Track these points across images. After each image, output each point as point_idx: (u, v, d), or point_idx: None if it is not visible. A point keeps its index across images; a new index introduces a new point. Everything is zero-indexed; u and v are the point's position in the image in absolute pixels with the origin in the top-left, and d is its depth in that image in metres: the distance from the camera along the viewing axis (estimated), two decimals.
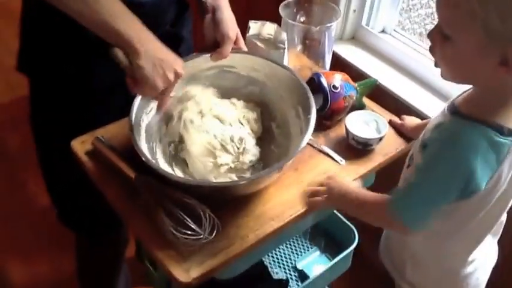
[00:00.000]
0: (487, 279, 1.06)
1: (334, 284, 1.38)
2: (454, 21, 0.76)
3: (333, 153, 1.05)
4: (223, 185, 0.93)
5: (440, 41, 0.80)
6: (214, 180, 0.96)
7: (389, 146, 1.08)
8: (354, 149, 1.06)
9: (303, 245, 1.36)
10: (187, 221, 0.85)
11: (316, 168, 1.03)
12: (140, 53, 0.87)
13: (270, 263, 1.30)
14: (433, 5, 2.50)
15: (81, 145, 1.02)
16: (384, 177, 1.15)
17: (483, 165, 0.80)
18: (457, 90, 0.92)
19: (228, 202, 0.93)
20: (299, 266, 1.30)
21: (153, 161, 0.91)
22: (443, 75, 0.85)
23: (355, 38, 1.64)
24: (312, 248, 1.35)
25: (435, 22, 2.23)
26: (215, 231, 0.86)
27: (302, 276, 1.27)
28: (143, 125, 0.97)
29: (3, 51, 2.39)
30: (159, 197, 0.89)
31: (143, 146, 0.93)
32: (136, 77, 0.89)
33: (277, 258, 1.32)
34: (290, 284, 1.25)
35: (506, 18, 0.71)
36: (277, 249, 1.34)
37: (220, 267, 0.86)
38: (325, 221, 1.35)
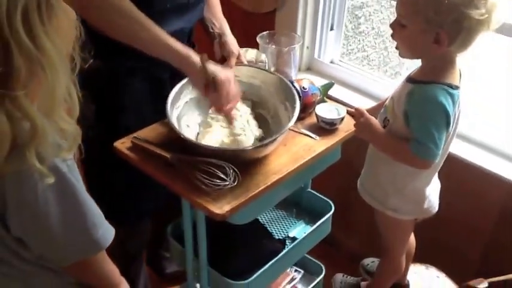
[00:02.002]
0: (438, 199, 1.48)
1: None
2: (406, 15, 1.21)
3: (309, 133, 1.44)
4: (237, 149, 1.30)
5: (398, 29, 1.24)
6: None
7: (348, 125, 1.46)
8: (323, 129, 1.45)
9: (292, 221, 1.71)
10: (216, 172, 1.20)
11: (299, 144, 1.40)
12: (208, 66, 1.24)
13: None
14: (368, 49, 3.05)
15: (122, 144, 1.36)
16: (347, 154, 1.56)
17: (449, 106, 1.21)
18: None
19: (242, 166, 1.25)
20: (291, 234, 1.64)
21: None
22: (402, 55, 1.29)
23: (311, 68, 2.09)
24: (299, 221, 1.70)
25: (371, 64, 2.81)
26: (237, 180, 1.21)
27: (294, 240, 1.61)
28: (174, 115, 1.32)
29: None
30: (191, 163, 1.24)
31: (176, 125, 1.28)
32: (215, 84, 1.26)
33: (275, 230, 1.67)
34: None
35: (438, 12, 1.14)
36: (273, 225, 1.68)
37: (242, 205, 1.20)
38: (307, 200, 1.72)
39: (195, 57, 1.26)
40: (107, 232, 0.96)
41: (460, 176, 1.65)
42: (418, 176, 1.37)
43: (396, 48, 1.29)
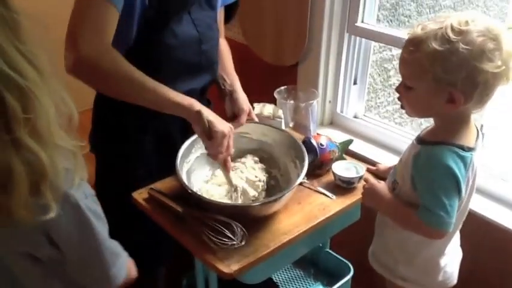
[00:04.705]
0: (457, 270, 1.36)
1: None
2: (412, 76, 1.12)
3: (326, 192, 1.39)
4: (246, 205, 1.28)
5: (404, 91, 1.15)
6: None
7: None
8: (341, 187, 1.40)
9: (309, 282, 1.64)
10: (224, 231, 1.17)
11: (314, 202, 1.36)
12: (203, 113, 1.25)
13: None
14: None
15: (139, 195, 1.36)
16: (369, 212, 1.49)
17: (459, 170, 1.11)
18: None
19: (252, 223, 1.23)
20: None
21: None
22: (409, 114, 1.21)
23: (333, 123, 2.05)
24: (316, 283, 1.63)
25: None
26: (244, 240, 1.17)
27: None
28: (184, 169, 1.32)
29: None
30: (201, 219, 1.21)
31: (186, 182, 1.27)
32: (210, 132, 1.27)
33: None
34: None
35: (448, 70, 1.06)
36: (289, 285, 1.61)
37: (251, 265, 1.16)
38: (325, 260, 1.65)
39: (197, 106, 1.27)
40: (121, 270, 0.98)
41: (493, 242, 1.54)
42: (430, 244, 1.27)
43: (402, 107, 1.21)
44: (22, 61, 0.73)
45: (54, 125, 0.79)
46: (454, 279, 1.36)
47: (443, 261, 1.31)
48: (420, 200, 1.17)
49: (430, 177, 1.15)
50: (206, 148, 1.33)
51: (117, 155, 1.46)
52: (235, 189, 1.36)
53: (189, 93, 1.33)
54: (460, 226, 1.30)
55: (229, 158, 1.37)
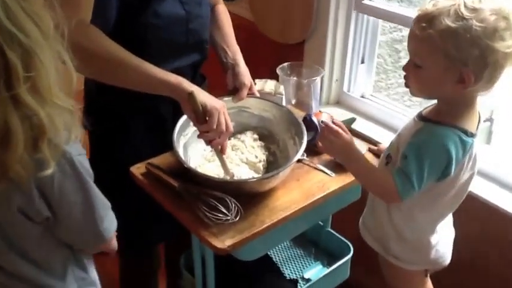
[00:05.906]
0: (451, 250, 1.34)
1: None
2: (423, 53, 1.09)
3: (325, 169, 1.37)
4: (242, 181, 1.27)
5: (413, 70, 1.13)
6: None
7: None
8: (340, 165, 1.38)
9: (309, 261, 1.63)
10: (218, 206, 1.16)
11: (313, 179, 1.34)
12: (195, 94, 1.19)
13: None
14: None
15: (137, 170, 1.35)
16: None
17: (456, 154, 1.10)
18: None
19: (249, 199, 1.22)
20: (306, 276, 1.56)
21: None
22: (413, 93, 1.19)
23: (339, 102, 2.03)
24: (316, 262, 1.62)
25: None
26: (239, 215, 1.16)
27: (308, 282, 1.52)
28: (181, 143, 1.31)
29: None
30: (196, 194, 1.20)
31: (183, 156, 1.26)
32: (203, 115, 1.21)
33: (289, 270, 1.60)
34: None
35: (460, 48, 1.03)
36: (288, 264, 1.61)
37: (245, 241, 1.15)
38: (325, 239, 1.64)
39: (187, 86, 1.22)
40: (112, 222, 1.01)
41: (492, 224, 1.52)
42: (418, 222, 1.26)
43: (406, 86, 1.18)
44: (26, 20, 0.74)
45: (55, 85, 0.81)
46: (447, 259, 1.34)
47: (434, 239, 1.29)
48: (401, 163, 1.15)
49: (425, 151, 1.13)
50: (201, 131, 1.25)
51: (107, 134, 1.43)
52: (232, 178, 1.32)
53: (177, 71, 1.27)
54: (456, 207, 1.27)
55: (226, 142, 1.31)
